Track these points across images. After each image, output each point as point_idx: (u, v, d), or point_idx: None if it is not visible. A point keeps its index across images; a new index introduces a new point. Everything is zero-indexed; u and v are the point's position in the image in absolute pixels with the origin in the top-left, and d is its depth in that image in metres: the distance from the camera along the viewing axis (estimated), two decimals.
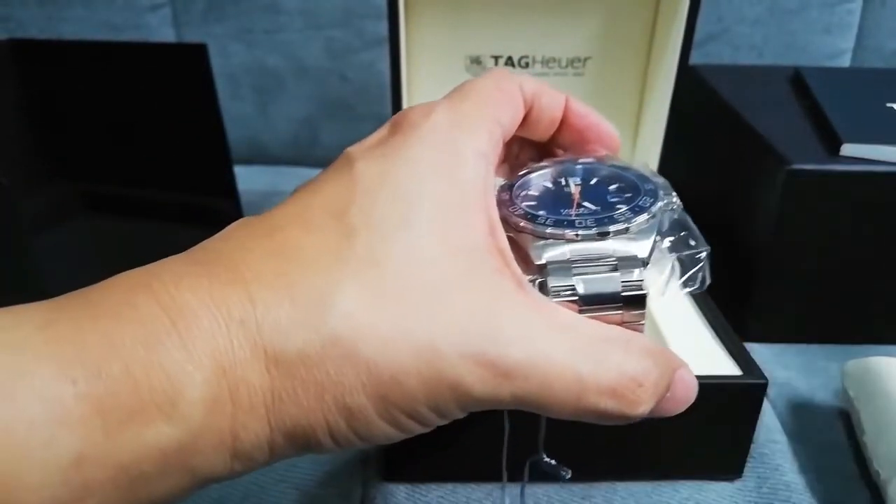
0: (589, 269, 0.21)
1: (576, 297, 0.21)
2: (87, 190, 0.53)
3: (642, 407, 0.19)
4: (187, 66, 0.47)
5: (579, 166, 0.25)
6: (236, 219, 0.20)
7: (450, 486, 0.36)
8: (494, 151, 0.22)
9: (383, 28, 0.41)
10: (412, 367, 0.18)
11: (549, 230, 0.22)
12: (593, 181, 0.24)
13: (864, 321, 0.47)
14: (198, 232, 0.20)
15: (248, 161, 0.75)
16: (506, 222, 0.22)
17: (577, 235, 0.21)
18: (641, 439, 0.35)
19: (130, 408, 0.16)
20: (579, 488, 0.36)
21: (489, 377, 0.18)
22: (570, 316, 0.20)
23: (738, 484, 0.36)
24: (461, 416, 0.19)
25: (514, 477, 0.31)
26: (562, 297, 0.21)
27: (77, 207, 0.52)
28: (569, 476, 0.28)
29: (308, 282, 0.18)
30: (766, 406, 0.42)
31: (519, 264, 0.21)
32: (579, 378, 0.18)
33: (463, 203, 0.20)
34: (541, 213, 0.22)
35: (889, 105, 0.48)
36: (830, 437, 0.40)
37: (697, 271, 0.24)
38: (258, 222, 0.20)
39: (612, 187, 0.24)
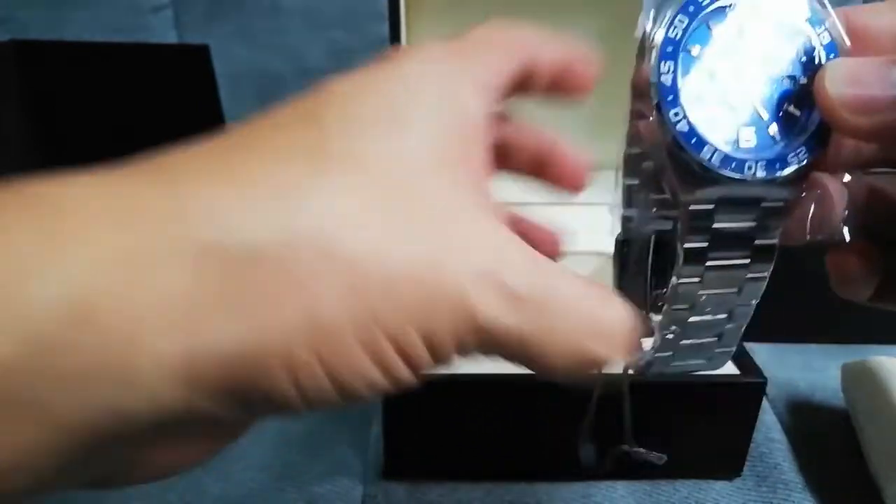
0: (729, 208, 0.18)
1: (708, 235, 0.18)
2: None
3: (627, 354, 0.17)
4: (189, 67, 0.47)
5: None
6: None
7: (450, 484, 0.36)
8: (496, 89, 0.18)
9: (385, 30, 0.41)
10: (409, 275, 0.14)
11: (713, 169, 0.17)
12: (775, 47, 0.18)
13: (864, 321, 0.47)
14: None
15: None
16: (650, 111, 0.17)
17: (738, 180, 0.17)
18: (641, 438, 0.35)
19: None
20: (579, 487, 0.36)
21: (499, 301, 0.15)
22: (565, 267, 0.17)
23: (737, 482, 0.36)
24: (453, 356, 0.15)
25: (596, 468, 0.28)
26: (695, 226, 0.17)
27: None
28: (663, 462, 0.24)
29: (274, 170, 0.14)
30: (766, 405, 0.42)
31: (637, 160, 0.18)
32: (592, 316, 0.16)
33: (462, 125, 0.17)
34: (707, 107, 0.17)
35: None
36: (829, 436, 0.40)
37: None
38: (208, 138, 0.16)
39: (793, 71, 0.17)
